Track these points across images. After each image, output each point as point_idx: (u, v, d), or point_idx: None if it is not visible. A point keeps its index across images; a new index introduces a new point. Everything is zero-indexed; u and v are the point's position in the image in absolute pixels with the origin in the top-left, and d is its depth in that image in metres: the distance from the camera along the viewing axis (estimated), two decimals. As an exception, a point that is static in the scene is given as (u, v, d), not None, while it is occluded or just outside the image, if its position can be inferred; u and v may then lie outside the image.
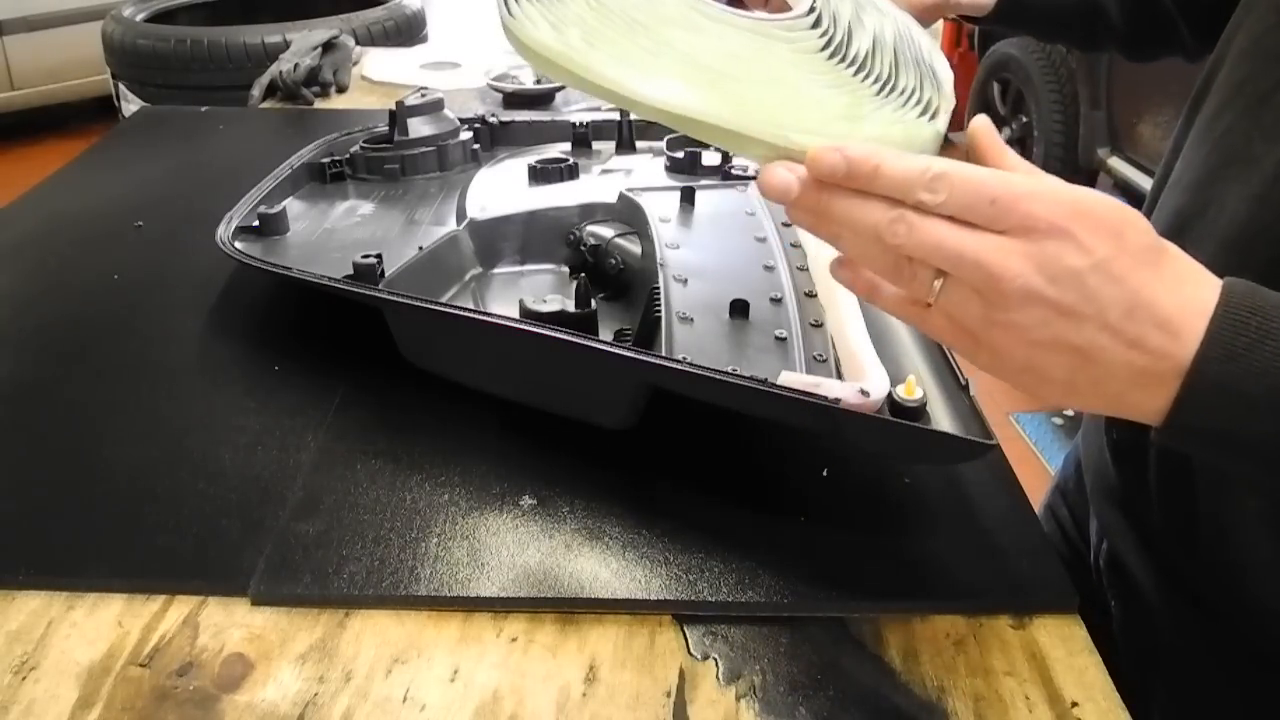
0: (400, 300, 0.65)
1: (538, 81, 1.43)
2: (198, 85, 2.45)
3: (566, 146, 1.01)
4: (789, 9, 0.50)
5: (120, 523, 0.57)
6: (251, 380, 0.72)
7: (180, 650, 0.50)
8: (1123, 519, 0.62)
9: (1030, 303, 0.37)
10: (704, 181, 0.86)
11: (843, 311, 0.65)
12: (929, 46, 0.51)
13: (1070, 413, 2.23)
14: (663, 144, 0.94)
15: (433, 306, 0.65)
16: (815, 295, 0.68)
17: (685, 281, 0.68)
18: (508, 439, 0.65)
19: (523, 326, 0.61)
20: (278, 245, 0.81)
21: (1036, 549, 0.57)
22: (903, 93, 0.46)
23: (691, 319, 0.64)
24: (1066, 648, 0.51)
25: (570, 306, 0.66)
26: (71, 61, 3.66)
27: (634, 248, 0.77)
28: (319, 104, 1.39)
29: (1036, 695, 0.49)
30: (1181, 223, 0.54)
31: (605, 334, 0.70)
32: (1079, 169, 3.01)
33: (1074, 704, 0.48)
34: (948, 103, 0.47)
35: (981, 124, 0.41)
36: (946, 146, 0.43)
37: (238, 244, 0.77)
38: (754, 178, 0.87)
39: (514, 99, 1.39)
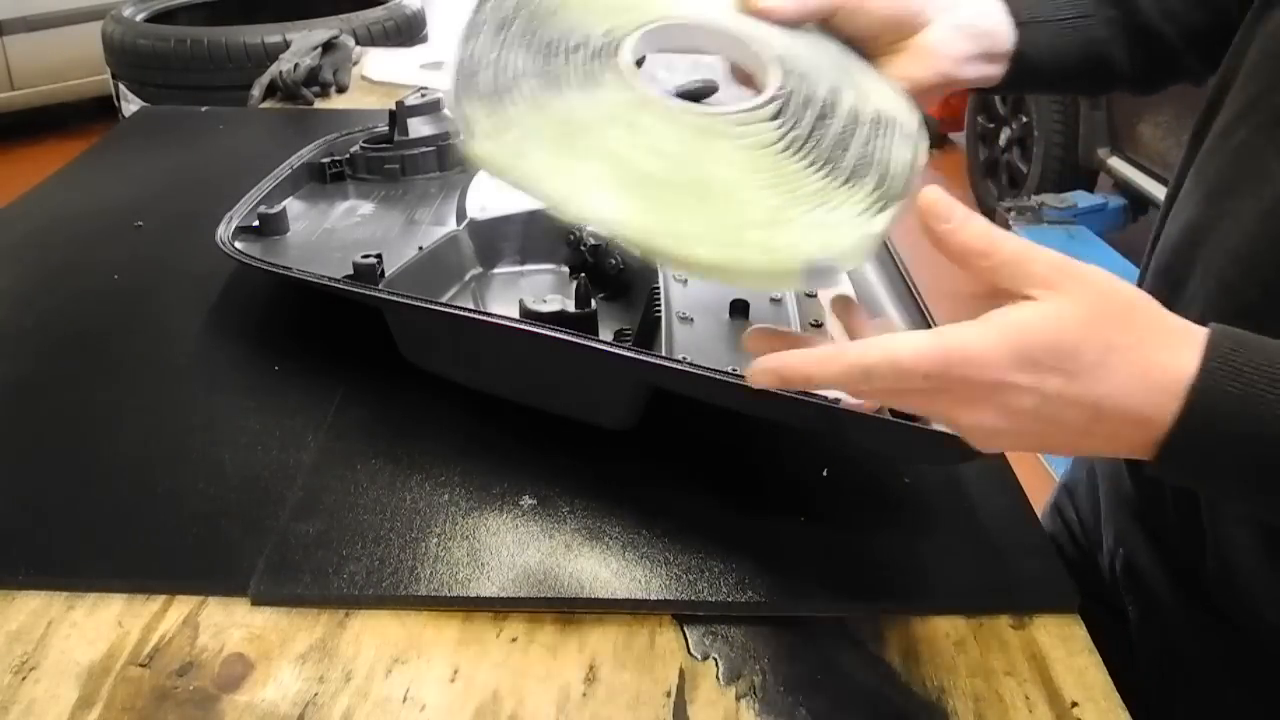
0: (400, 300, 0.65)
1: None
2: (198, 85, 2.45)
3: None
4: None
5: (120, 523, 0.57)
6: (251, 380, 0.72)
7: (180, 650, 0.50)
8: (1139, 527, 0.62)
9: (999, 434, 0.40)
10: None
11: (843, 311, 0.65)
12: (907, 127, 0.49)
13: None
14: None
15: (433, 306, 0.65)
16: (815, 295, 0.68)
17: (685, 281, 0.68)
18: (508, 439, 0.65)
19: (523, 326, 0.61)
20: (278, 245, 0.81)
21: (1036, 549, 0.57)
22: (854, 188, 0.45)
23: (691, 319, 0.64)
24: (1066, 648, 0.51)
25: (570, 306, 0.66)
26: (71, 61, 3.65)
27: (634, 248, 0.77)
28: (319, 104, 1.39)
29: (1036, 695, 0.49)
30: (1193, 236, 0.54)
31: (605, 334, 0.70)
32: (1079, 169, 3.00)
33: (1074, 704, 0.48)
34: (899, 197, 0.45)
35: (928, 201, 0.40)
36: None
37: (238, 244, 0.77)
38: None
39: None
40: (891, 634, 0.52)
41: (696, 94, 1.35)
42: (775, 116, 0.47)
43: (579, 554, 0.55)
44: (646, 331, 0.68)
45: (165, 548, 0.56)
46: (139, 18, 2.80)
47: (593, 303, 0.67)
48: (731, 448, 0.64)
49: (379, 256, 0.71)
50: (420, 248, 0.77)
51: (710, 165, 0.45)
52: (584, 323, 0.65)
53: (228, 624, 0.52)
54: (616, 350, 0.58)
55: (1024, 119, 3.17)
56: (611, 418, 0.63)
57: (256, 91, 1.39)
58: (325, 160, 0.95)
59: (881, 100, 0.50)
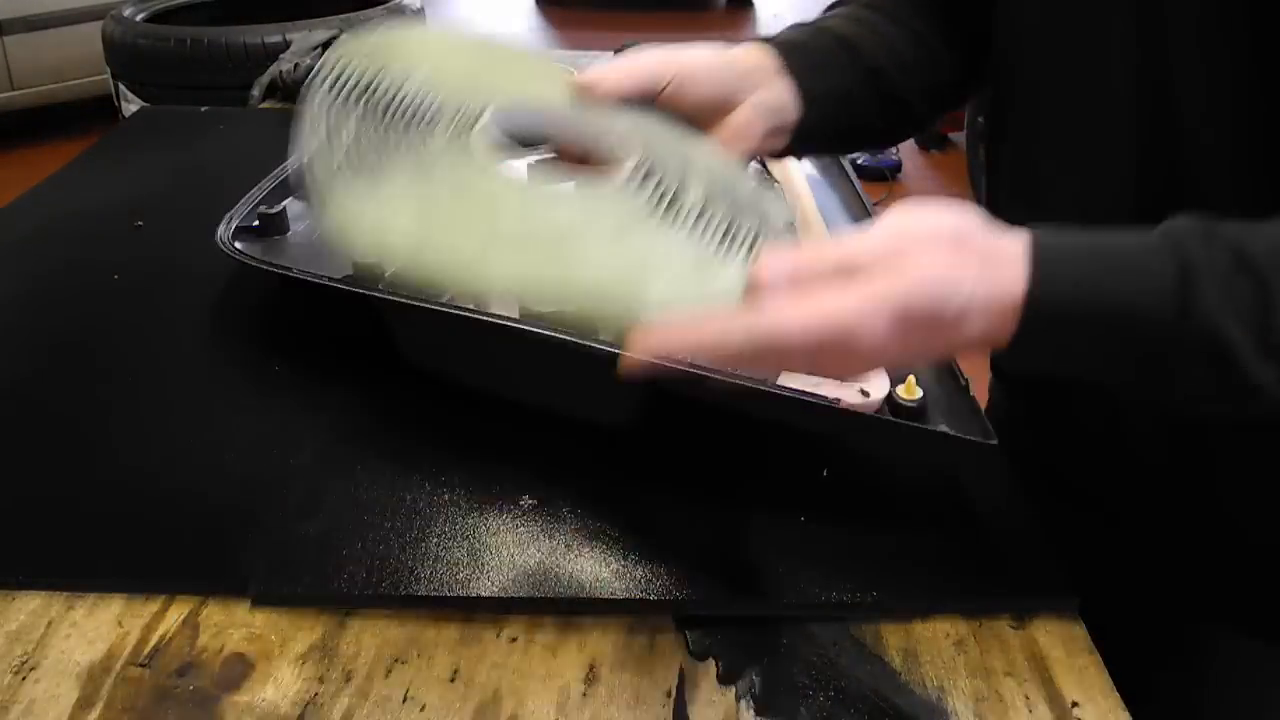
0: (400, 300, 0.65)
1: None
2: (198, 85, 2.45)
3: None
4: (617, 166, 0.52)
5: (120, 523, 0.57)
6: (251, 380, 0.72)
7: (180, 650, 0.50)
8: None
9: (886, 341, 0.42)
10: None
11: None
12: (758, 187, 0.54)
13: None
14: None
15: (433, 307, 0.65)
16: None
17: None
18: (508, 439, 0.65)
19: (523, 326, 0.61)
20: (278, 245, 0.81)
21: (1036, 549, 0.57)
22: (724, 244, 0.48)
23: (691, 319, 0.64)
24: (1066, 648, 0.51)
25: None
26: (71, 61, 3.65)
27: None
28: (319, 104, 1.39)
29: (1036, 695, 0.49)
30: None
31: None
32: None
33: (1074, 704, 0.48)
34: (765, 247, 0.48)
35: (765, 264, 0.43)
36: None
37: (238, 244, 0.77)
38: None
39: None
40: (891, 634, 0.52)
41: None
42: (643, 182, 0.50)
43: (579, 554, 0.55)
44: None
45: (165, 548, 0.56)
46: (139, 18, 2.80)
47: (593, 303, 0.67)
48: (731, 448, 0.64)
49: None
50: (420, 248, 0.76)
51: (584, 235, 0.47)
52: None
53: (228, 624, 0.52)
54: (616, 350, 0.58)
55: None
56: (611, 418, 0.63)
57: (256, 91, 1.39)
58: (325, 160, 0.94)
59: (728, 165, 0.56)
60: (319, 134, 0.49)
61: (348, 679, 0.49)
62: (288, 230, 0.83)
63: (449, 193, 0.48)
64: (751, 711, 0.47)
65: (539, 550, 0.56)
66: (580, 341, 0.59)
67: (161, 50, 2.52)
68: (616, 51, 1.54)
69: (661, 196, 0.49)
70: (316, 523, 0.57)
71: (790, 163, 0.92)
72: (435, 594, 0.53)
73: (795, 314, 0.41)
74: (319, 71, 0.55)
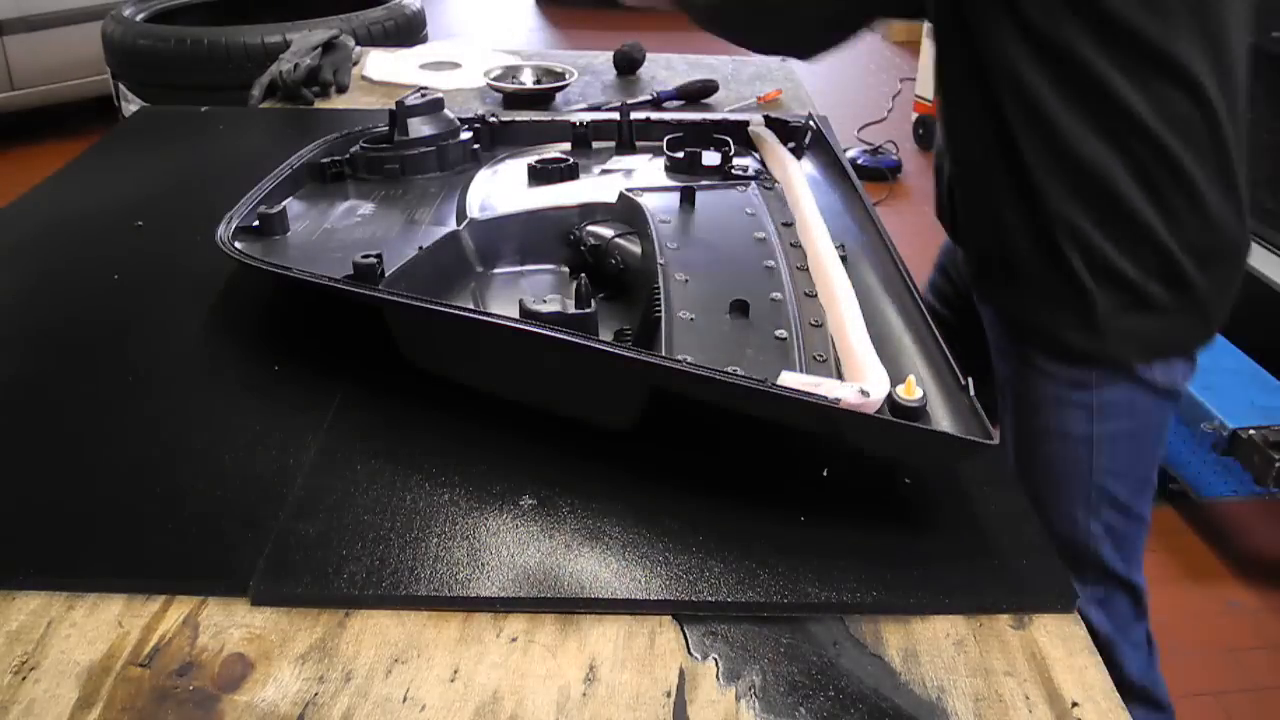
0: (400, 300, 0.65)
1: (537, 81, 1.43)
2: (198, 85, 2.44)
3: (566, 146, 1.01)
4: None
5: (120, 523, 0.57)
6: (251, 380, 0.72)
7: (180, 650, 0.50)
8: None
9: None
10: (704, 181, 0.86)
11: (843, 312, 0.65)
12: None
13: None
14: (663, 144, 0.94)
15: (433, 306, 0.65)
16: (815, 295, 0.68)
17: (685, 281, 0.68)
18: (508, 439, 0.65)
19: (523, 326, 0.61)
20: (278, 245, 0.81)
21: (1036, 549, 0.57)
22: None
23: (692, 319, 0.64)
24: (1066, 648, 0.51)
25: (570, 306, 0.66)
26: (71, 61, 3.65)
27: (634, 248, 0.77)
28: (319, 104, 1.39)
29: (1036, 695, 0.49)
30: None
31: (605, 334, 0.70)
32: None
33: (1074, 704, 0.48)
34: None
35: None
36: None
37: (238, 244, 0.77)
38: (754, 177, 0.87)
39: (514, 99, 1.39)
40: (891, 634, 0.52)
41: (697, 93, 1.35)
42: None
43: (579, 554, 0.55)
44: (646, 331, 0.68)
45: (165, 548, 0.56)
46: (139, 18, 2.80)
47: (593, 303, 0.67)
48: (731, 448, 0.64)
49: (379, 256, 0.71)
50: (420, 248, 0.77)
51: None
52: (584, 323, 0.65)
53: (228, 624, 0.52)
54: (617, 350, 0.58)
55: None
56: (612, 418, 0.63)
57: (256, 91, 1.39)
58: (325, 160, 0.95)
59: None
60: None
61: (348, 679, 0.49)
62: (288, 230, 0.83)
63: None
64: (751, 711, 0.47)
65: (539, 550, 0.56)
66: (580, 341, 0.59)
67: (161, 50, 2.52)
68: (616, 51, 1.54)
69: None
70: (316, 523, 0.57)
71: (790, 162, 0.92)
72: (435, 594, 0.53)
73: None
74: None
